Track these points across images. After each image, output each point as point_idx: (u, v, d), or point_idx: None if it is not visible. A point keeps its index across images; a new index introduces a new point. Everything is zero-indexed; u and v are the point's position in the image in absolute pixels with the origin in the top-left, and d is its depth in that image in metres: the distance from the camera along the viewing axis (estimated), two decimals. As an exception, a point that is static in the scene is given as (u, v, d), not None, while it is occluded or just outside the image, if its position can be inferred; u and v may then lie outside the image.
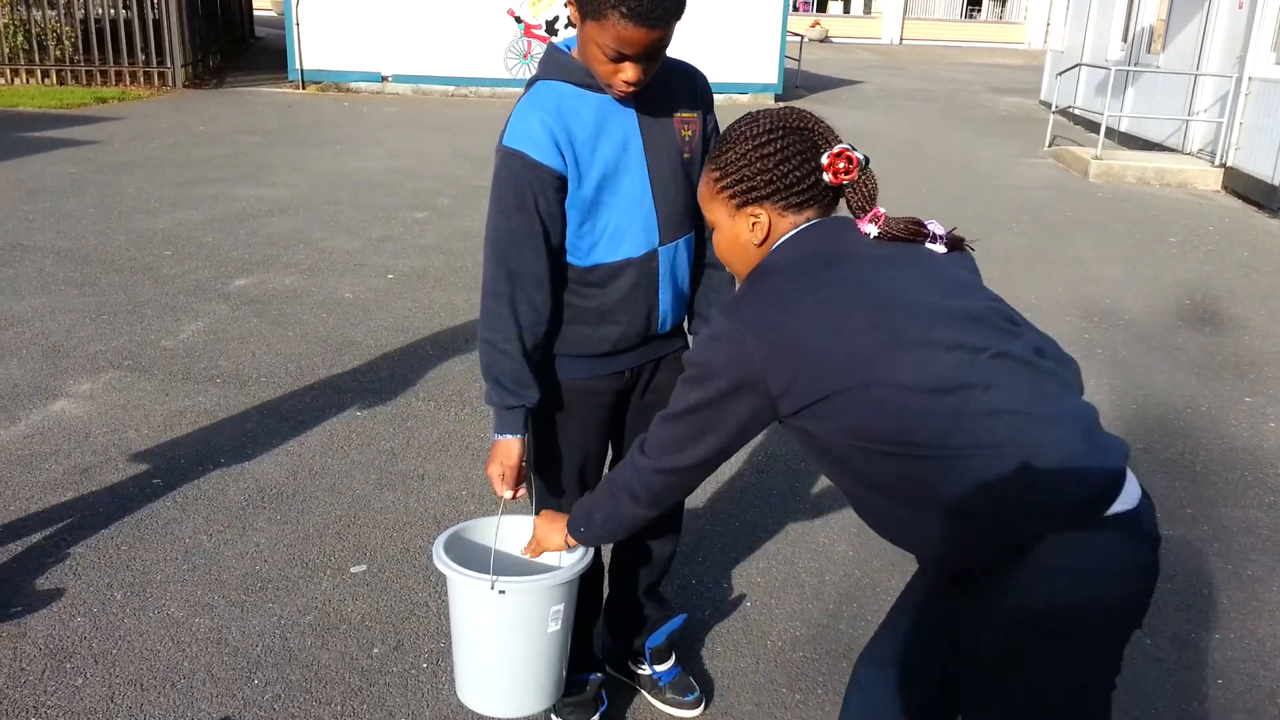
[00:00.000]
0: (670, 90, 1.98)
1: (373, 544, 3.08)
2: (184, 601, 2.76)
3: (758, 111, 1.56)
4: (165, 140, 10.29)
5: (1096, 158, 11.07)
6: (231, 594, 2.80)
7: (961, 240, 1.59)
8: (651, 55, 1.81)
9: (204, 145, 10.14)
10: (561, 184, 1.89)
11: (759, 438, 3.96)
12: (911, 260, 1.51)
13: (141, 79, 14.11)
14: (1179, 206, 9.67)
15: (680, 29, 1.88)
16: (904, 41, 39.98)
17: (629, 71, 1.81)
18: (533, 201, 1.89)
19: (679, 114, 1.99)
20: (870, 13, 40.76)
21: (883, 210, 1.53)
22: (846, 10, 40.58)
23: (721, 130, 1.68)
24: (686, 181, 2.02)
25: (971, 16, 41.53)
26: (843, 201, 1.58)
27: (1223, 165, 10.69)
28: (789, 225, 1.55)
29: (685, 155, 2.01)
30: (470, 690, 1.99)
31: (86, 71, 13.91)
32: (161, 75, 14.19)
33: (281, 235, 6.74)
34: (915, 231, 1.53)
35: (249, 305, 5.27)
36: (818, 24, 37.91)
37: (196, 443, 3.68)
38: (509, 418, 1.99)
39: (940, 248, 1.56)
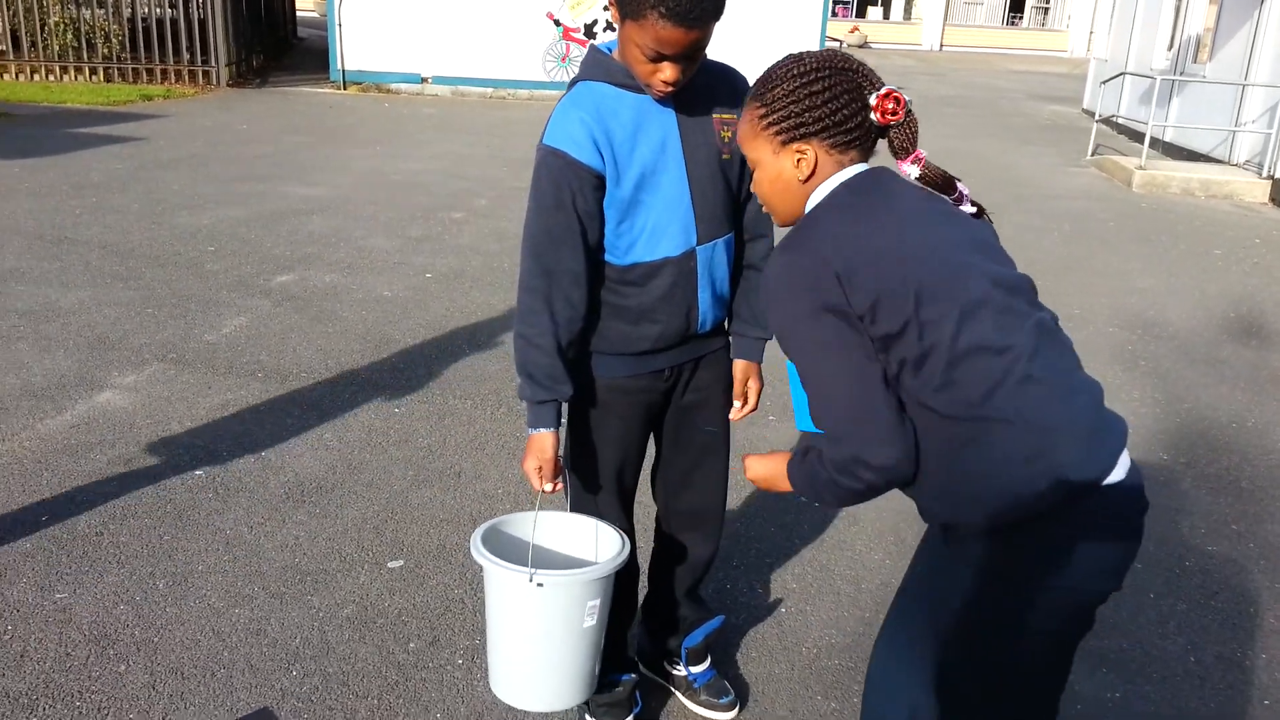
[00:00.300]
0: (710, 90, 1.98)
1: (409, 540, 3.10)
2: (224, 592, 2.79)
3: (801, 52, 1.57)
4: (209, 138, 10.43)
5: (1140, 168, 10.91)
6: (271, 585, 2.83)
7: (983, 209, 1.63)
8: (690, 56, 1.83)
9: (247, 144, 10.27)
10: (600, 183, 1.91)
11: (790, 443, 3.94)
12: (954, 218, 1.56)
13: (186, 77, 14.33)
14: (1224, 218, 9.52)
15: (719, 33, 1.90)
16: (944, 48, 39.68)
17: (668, 71, 1.84)
18: (570, 200, 1.91)
19: (718, 114, 2.00)
20: (910, 19, 40.51)
21: (924, 153, 1.57)
22: (886, 16, 40.34)
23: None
24: (725, 182, 2.02)
25: (1013, 23, 41.15)
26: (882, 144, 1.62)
27: (1270, 177, 10.50)
28: (834, 165, 1.56)
29: (725, 156, 2.01)
30: (504, 683, 1.99)
31: (133, 70, 14.15)
32: (206, 74, 14.40)
33: (322, 233, 6.81)
34: (950, 183, 1.58)
35: (290, 301, 5.32)
36: (856, 29, 37.74)
37: (238, 435, 3.73)
38: (542, 412, 2.00)
39: (969, 209, 1.61)
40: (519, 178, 9.40)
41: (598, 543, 2.05)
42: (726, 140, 2.00)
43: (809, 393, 1.49)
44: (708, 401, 2.19)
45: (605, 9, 15.87)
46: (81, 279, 5.49)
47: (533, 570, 1.83)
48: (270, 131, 11.22)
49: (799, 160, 1.55)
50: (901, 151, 1.56)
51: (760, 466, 1.68)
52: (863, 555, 3.17)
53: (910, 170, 1.56)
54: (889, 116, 1.53)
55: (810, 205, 1.58)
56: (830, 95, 1.52)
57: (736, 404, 2.21)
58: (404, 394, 4.22)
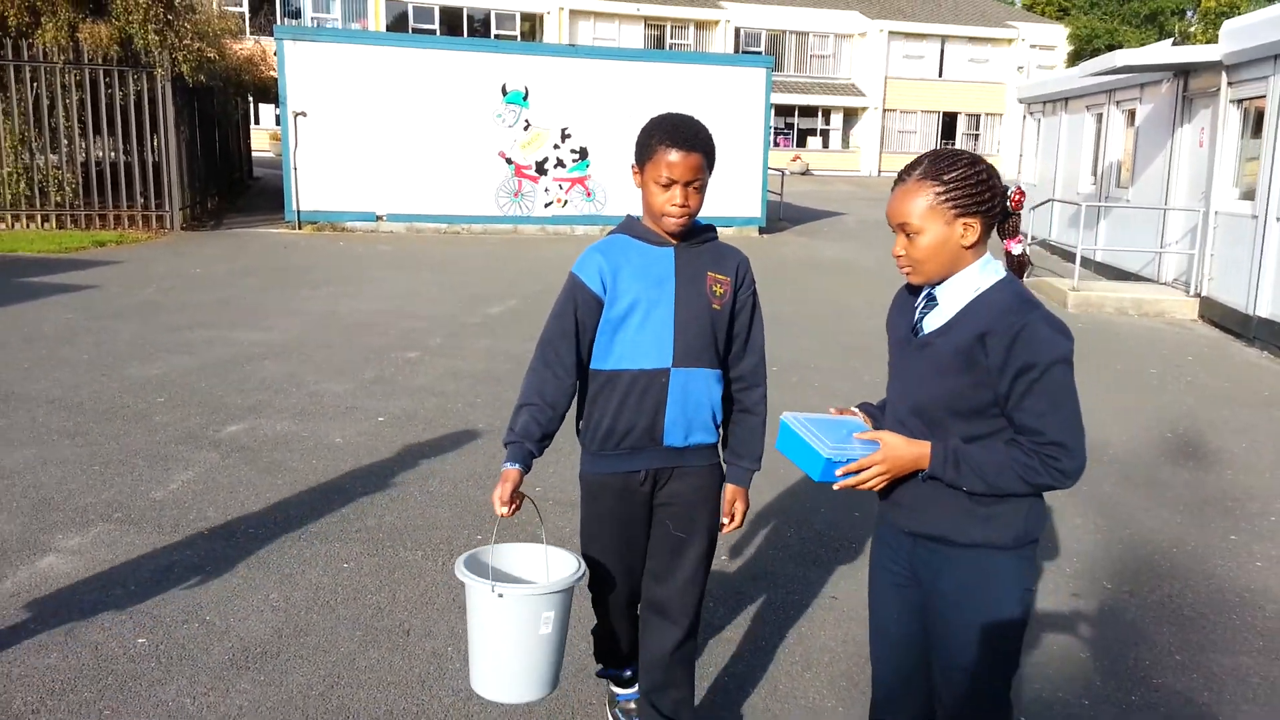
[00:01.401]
0: (713, 256, 2.58)
1: (355, 706, 3.04)
2: (164, 772, 2.70)
3: (956, 149, 2.12)
4: (162, 284, 10.49)
5: (1074, 289, 11.36)
6: (213, 763, 2.75)
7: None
8: (691, 182, 2.43)
9: (200, 289, 10.34)
10: (599, 305, 2.50)
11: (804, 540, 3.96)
12: None
13: (140, 222, 14.46)
14: (1157, 337, 9.89)
15: None
16: (882, 174, 41.29)
17: (677, 194, 2.42)
18: (574, 310, 2.51)
19: (712, 274, 2.55)
20: (848, 147, 42.26)
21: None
22: (825, 145, 42.06)
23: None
24: (711, 326, 2.53)
25: (947, 150, 42.96)
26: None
27: (1197, 295, 10.98)
28: (984, 235, 2.07)
29: (715, 306, 2.53)
30: (478, 680, 2.40)
31: (86, 215, 14.26)
32: (160, 218, 14.55)
33: (274, 379, 6.83)
34: (1025, 263, 2.31)
35: (239, 453, 5.30)
36: (798, 158, 39.26)
37: (183, 599, 3.67)
38: (512, 451, 2.46)
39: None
40: (472, 313, 9.54)
41: (549, 568, 2.49)
42: (718, 294, 2.54)
43: (1062, 417, 1.97)
44: (680, 509, 2.61)
45: (555, 148, 16.42)
46: (27, 436, 5.43)
47: (494, 584, 2.25)
48: (223, 275, 11.32)
49: (965, 230, 2.04)
50: (1014, 232, 2.17)
51: (902, 446, 2.06)
52: (814, 701, 3.16)
53: (1015, 248, 2.23)
54: (1017, 205, 2.11)
55: (975, 269, 2.06)
56: (993, 183, 2.04)
57: (725, 520, 2.66)
58: (353, 546, 4.19)
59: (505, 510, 2.38)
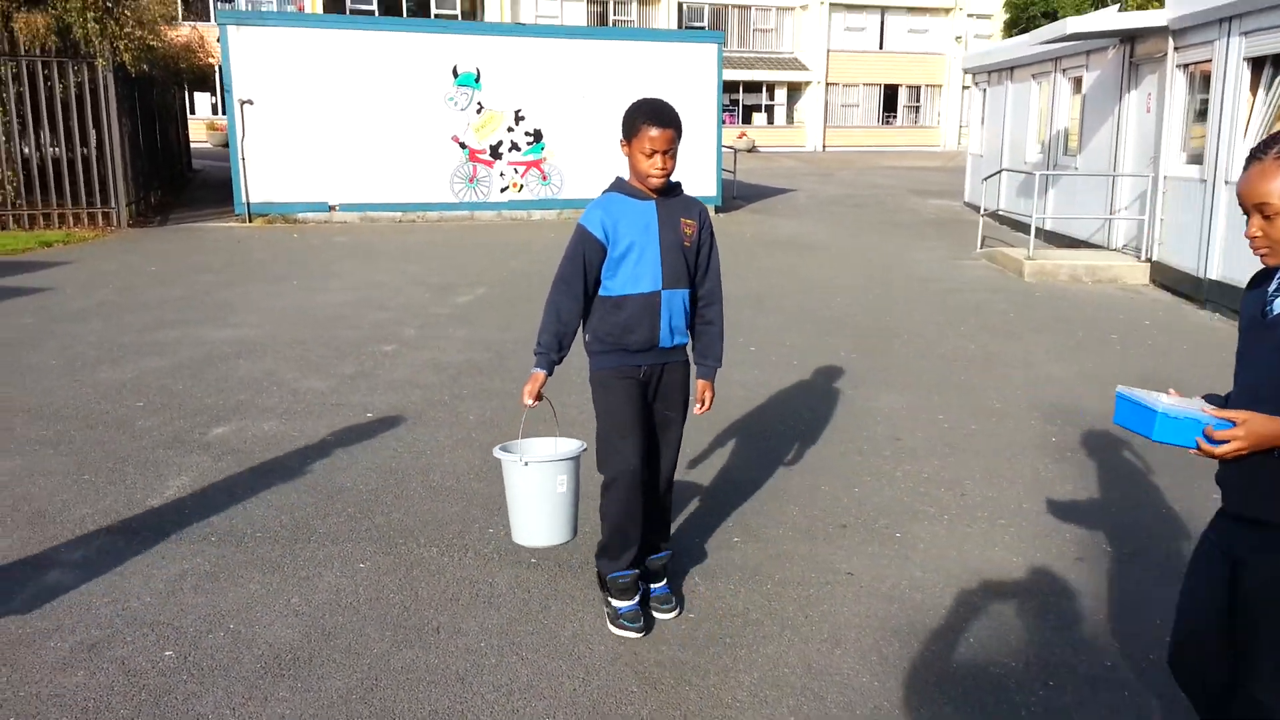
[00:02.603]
0: (683, 206, 3.46)
1: (398, 708, 3.04)
2: (216, 785, 2.69)
3: None
4: (118, 283, 10.25)
5: (1029, 258, 11.59)
6: (264, 773, 2.74)
7: None
8: (668, 150, 3.28)
9: (158, 286, 10.12)
10: (602, 249, 3.35)
11: (766, 566, 4.02)
12: None
13: (86, 220, 14.07)
14: (1113, 303, 10.15)
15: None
16: (826, 149, 41.59)
17: (659, 160, 3.29)
18: (583, 253, 3.36)
19: (684, 219, 3.44)
20: (793, 123, 42.46)
21: None
22: (770, 121, 42.22)
23: None
24: (683, 257, 3.42)
25: (887, 122, 43.49)
26: None
27: (1149, 260, 11.27)
28: None
29: (686, 244, 3.43)
30: (517, 531, 3.39)
31: (29, 215, 13.84)
32: (106, 215, 14.17)
33: (252, 378, 6.73)
34: None
35: (231, 455, 5.23)
36: (744, 135, 39.34)
37: (202, 608, 3.62)
38: (539, 360, 3.36)
39: None
40: (441, 303, 9.47)
41: (557, 447, 3.43)
42: (689, 234, 3.42)
43: None
44: (669, 395, 3.54)
45: (509, 131, 16.27)
46: (9, 447, 5.29)
47: (523, 458, 3.28)
48: (180, 271, 11.08)
49: None
50: None
51: (1262, 420, 2.03)
52: (850, 679, 3.24)
53: None
54: None
55: None
56: None
57: (697, 406, 3.58)
58: (365, 546, 4.17)
59: (531, 402, 3.31)
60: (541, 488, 3.25)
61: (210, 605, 3.65)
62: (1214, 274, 9.76)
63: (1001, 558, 4.16)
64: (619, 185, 3.42)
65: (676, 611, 3.61)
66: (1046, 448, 5.56)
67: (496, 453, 3.33)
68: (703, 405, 3.56)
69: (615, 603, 3.51)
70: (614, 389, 3.42)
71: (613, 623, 3.49)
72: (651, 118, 3.24)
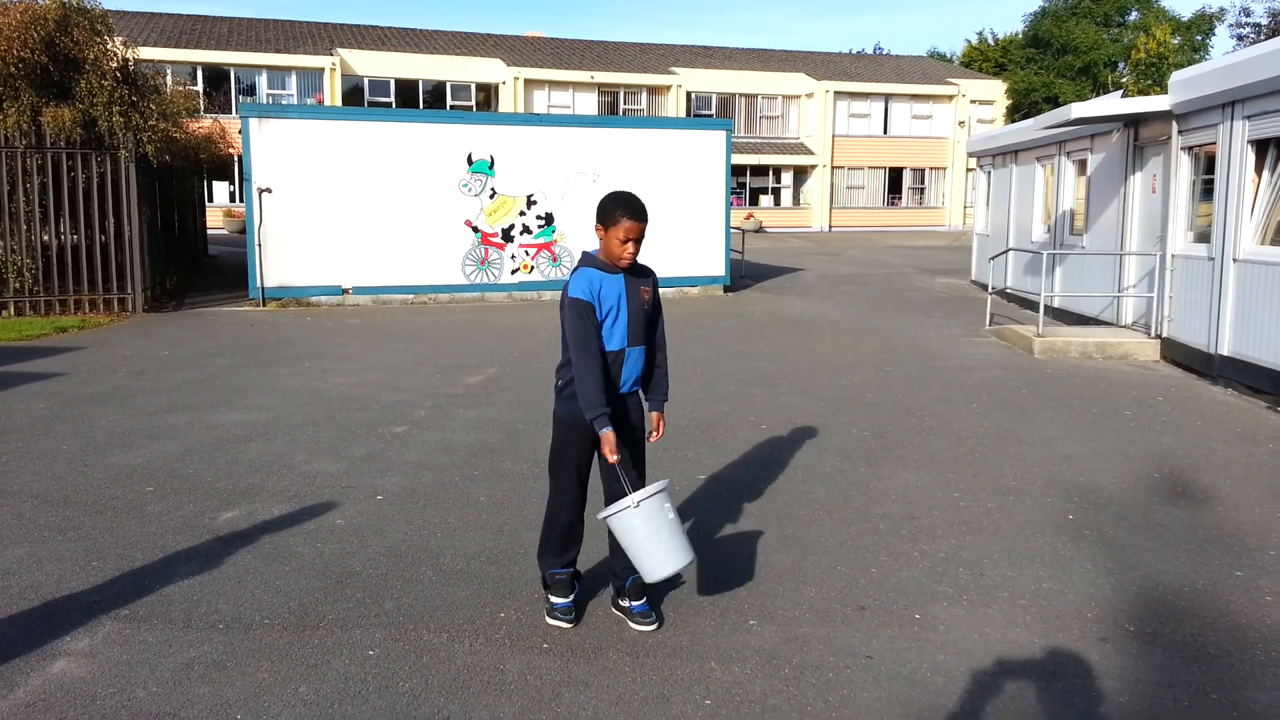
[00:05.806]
0: (641, 275, 4.06)
1: (407, 799, 2.96)
2: None
3: None
4: (132, 368, 10.31)
5: (1039, 335, 11.60)
6: None
7: None
8: (639, 239, 3.87)
9: (171, 370, 10.18)
10: (595, 311, 3.87)
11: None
12: None
13: (102, 306, 14.24)
14: (1125, 379, 10.11)
15: (649, 231, 4.09)
16: (833, 229, 42.08)
17: (630, 247, 3.88)
18: (589, 319, 3.85)
19: (642, 286, 4.04)
20: (799, 204, 43.04)
21: None
22: (777, 203, 42.81)
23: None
24: (644, 320, 4.02)
25: (893, 203, 44.05)
26: None
27: (1158, 336, 11.26)
28: None
29: (645, 307, 4.02)
30: (653, 570, 3.80)
31: (46, 301, 14.02)
32: (121, 301, 14.34)
33: (263, 461, 6.71)
34: None
35: (240, 540, 5.19)
36: (751, 216, 39.89)
37: (209, 698, 3.55)
38: (600, 420, 3.81)
39: None
40: (452, 384, 9.49)
41: (645, 490, 3.83)
42: (646, 299, 4.02)
43: None
44: (627, 429, 4.06)
45: (521, 215, 16.53)
46: (16, 534, 5.27)
47: (633, 501, 3.76)
48: (193, 355, 11.16)
49: None
50: None
51: None
52: (870, 767, 3.13)
53: None
54: None
55: None
56: None
57: (653, 435, 4.17)
58: (374, 632, 4.10)
59: (616, 457, 3.81)
60: (658, 519, 3.76)
61: (217, 695, 3.59)
62: (1225, 349, 9.74)
63: (1023, 639, 4.07)
64: (593, 261, 3.95)
65: (656, 625, 4.11)
66: (1064, 526, 5.49)
67: (602, 516, 3.82)
68: (657, 432, 4.17)
69: (553, 598, 4.18)
70: (574, 429, 4.02)
71: (549, 615, 4.17)
72: (629, 212, 3.82)
